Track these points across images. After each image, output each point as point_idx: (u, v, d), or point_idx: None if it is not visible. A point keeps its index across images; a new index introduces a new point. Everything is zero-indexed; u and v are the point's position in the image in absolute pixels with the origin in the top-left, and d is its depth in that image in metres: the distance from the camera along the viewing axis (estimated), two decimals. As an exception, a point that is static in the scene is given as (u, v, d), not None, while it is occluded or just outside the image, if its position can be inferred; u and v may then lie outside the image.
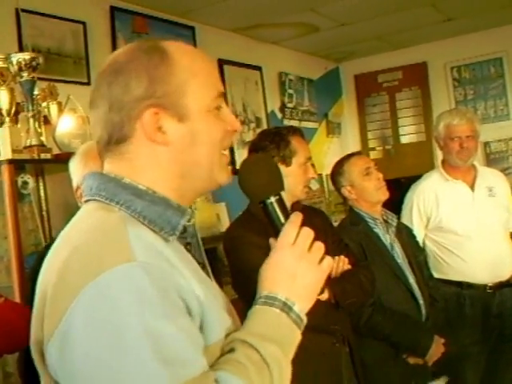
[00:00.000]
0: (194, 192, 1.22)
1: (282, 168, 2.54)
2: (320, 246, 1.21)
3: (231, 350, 1.08)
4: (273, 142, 2.58)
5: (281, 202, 1.25)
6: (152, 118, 1.13)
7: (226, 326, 1.13)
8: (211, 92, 1.18)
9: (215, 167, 1.19)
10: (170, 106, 1.14)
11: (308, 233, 1.20)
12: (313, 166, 2.63)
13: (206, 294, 1.10)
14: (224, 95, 1.23)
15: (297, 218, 1.22)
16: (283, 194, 1.29)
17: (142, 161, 1.15)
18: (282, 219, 1.23)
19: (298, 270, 1.17)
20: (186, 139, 1.15)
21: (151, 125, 1.13)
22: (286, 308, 1.14)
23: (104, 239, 1.05)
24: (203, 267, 1.24)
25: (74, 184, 2.24)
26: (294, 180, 2.55)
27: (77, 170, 2.23)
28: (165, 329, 0.98)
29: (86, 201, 1.18)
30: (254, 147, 2.64)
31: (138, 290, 0.98)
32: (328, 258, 1.22)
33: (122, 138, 1.15)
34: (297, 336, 1.16)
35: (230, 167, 1.25)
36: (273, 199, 1.24)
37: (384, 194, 3.07)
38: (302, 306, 1.17)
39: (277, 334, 1.11)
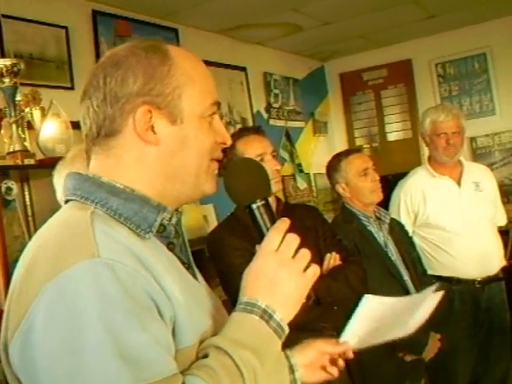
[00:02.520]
0: (176, 196, 1.20)
1: None
2: (305, 254, 1.17)
3: (205, 356, 1.06)
4: (227, 155, 2.60)
5: (267, 206, 1.23)
6: (145, 115, 1.13)
7: (202, 331, 1.10)
8: (207, 99, 1.19)
9: (202, 174, 1.19)
10: (164, 106, 1.14)
11: (293, 239, 1.16)
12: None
13: (183, 295, 1.09)
14: (218, 105, 1.22)
15: (282, 224, 1.19)
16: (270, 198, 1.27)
17: (128, 157, 1.15)
18: (268, 224, 1.21)
19: (279, 278, 1.13)
20: (177, 142, 1.16)
21: (143, 122, 1.13)
22: (266, 316, 1.11)
23: (69, 235, 1.05)
24: (188, 268, 1.22)
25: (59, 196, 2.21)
26: None
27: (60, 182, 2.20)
28: (127, 328, 0.96)
29: (66, 201, 1.18)
30: None
31: (100, 287, 0.96)
32: (314, 267, 1.18)
33: (112, 132, 1.15)
34: (276, 346, 1.13)
35: (215, 177, 1.24)
36: (258, 204, 1.22)
37: (378, 197, 3.05)
38: (284, 315, 1.13)
39: (253, 342, 1.08)
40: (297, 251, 1.17)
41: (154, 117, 1.14)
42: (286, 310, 1.14)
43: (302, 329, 2.41)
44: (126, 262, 1.01)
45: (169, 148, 1.15)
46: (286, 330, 1.14)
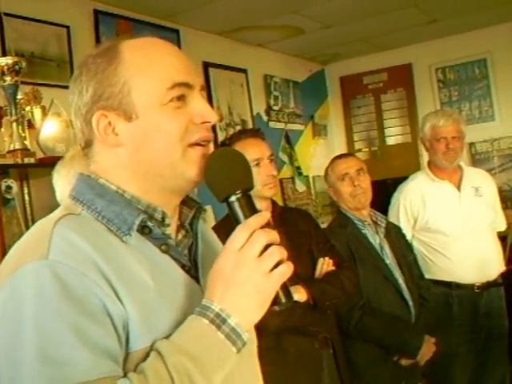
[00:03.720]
0: (165, 190, 1.18)
1: None
2: (273, 252, 1.07)
3: (146, 359, 1.04)
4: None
5: (247, 198, 1.14)
6: (100, 120, 1.14)
7: (164, 334, 1.06)
8: (162, 85, 1.13)
9: (179, 163, 1.14)
10: (117, 106, 1.14)
11: (260, 236, 1.08)
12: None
13: (156, 299, 1.08)
14: (187, 85, 1.16)
15: (255, 219, 1.10)
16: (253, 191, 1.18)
17: (106, 162, 1.18)
18: (243, 220, 1.12)
19: (238, 279, 1.06)
20: (138, 137, 1.14)
21: (102, 127, 1.15)
22: (219, 320, 1.05)
23: (35, 237, 1.11)
24: (189, 270, 1.19)
25: (58, 196, 2.20)
26: None
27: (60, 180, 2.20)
28: (56, 330, 0.98)
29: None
30: None
31: (39, 287, 1.00)
32: (283, 266, 1.08)
33: (87, 142, 1.19)
34: (227, 353, 1.05)
35: (203, 162, 1.16)
36: (235, 197, 1.13)
37: (359, 202, 3.05)
38: (242, 320, 1.06)
39: (195, 347, 1.03)
40: (266, 249, 1.08)
41: (112, 119, 1.14)
42: (247, 313, 1.07)
43: (297, 332, 2.43)
44: (73, 265, 1.02)
45: (133, 145, 1.14)
46: (244, 335, 1.07)
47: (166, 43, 1.20)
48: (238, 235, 1.08)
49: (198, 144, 1.16)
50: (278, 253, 1.08)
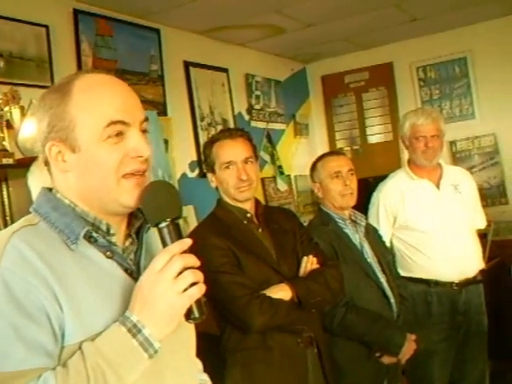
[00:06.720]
0: (105, 211, 1.35)
1: (213, 177, 2.62)
2: (187, 275, 1.24)
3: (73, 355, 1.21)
4: (205, 155, 2.67)
5: (174, 226, 1.31)
6: (52, 148, 1.34)
7: (92, 332, 1.23)
8: (99, 124, 1.30)
9: (114, 191, 1.32)
10: (65, 138, 1.32)
11: (177, 261, 1.24)
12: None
13: (91, 298, 1.25)
14: (124, 123, 1.32)
15: (176, 245, 1.27)
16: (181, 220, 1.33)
17: (58, 182, 1.38)
18: (169, 243, 1.29)
19: (153, 296, 1.24)
20: (81, 167, 1.33)
21: (53, 155, 1.34)
22: (135, 330, 1.23)
23: None
24: (131, 273, 1.37)
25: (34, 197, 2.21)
26: (223, 185, 2.60)
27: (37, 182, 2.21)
28: None
29: None
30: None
31: None
32: (196, 287, 1.25)
33: (46, 162, 1.39)
34: (139, 358, 1.23)
35: (136, 190, 1.33)
36: (164, 224, 1.30)
37: (346, 202, 3.07)
38: (154, 331, 1.24)
39: (112, 351, 1.20)
40: (182, 271, 1.24)
41: (61, 149, 1.33)
42: (157, 326, 1.24)
43: (282, 331, 2.43)
44: (19, 272, 1.20)
45: (77, 173, 1.34)
46: (155, 344, 1.24)
47: (114, 82, 1.38)
48: (160, 258, 1.26)
49: (132, 174, 1.33)
50: (192, 276, 1.25)
